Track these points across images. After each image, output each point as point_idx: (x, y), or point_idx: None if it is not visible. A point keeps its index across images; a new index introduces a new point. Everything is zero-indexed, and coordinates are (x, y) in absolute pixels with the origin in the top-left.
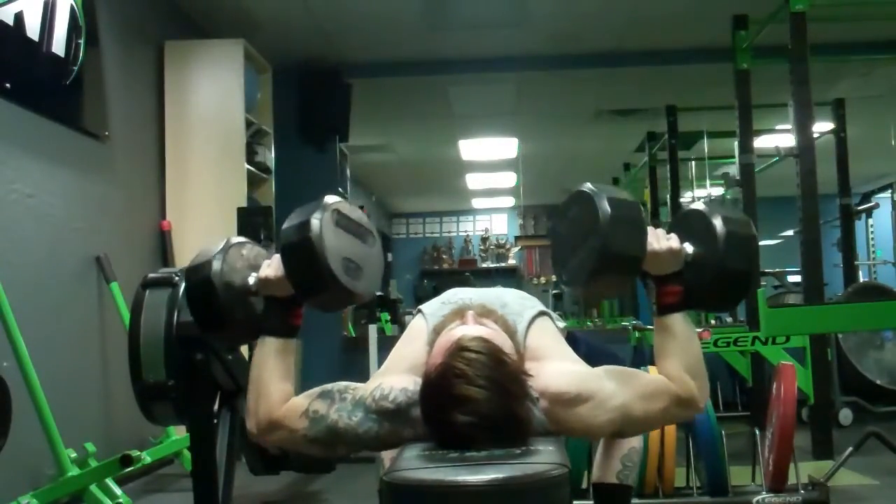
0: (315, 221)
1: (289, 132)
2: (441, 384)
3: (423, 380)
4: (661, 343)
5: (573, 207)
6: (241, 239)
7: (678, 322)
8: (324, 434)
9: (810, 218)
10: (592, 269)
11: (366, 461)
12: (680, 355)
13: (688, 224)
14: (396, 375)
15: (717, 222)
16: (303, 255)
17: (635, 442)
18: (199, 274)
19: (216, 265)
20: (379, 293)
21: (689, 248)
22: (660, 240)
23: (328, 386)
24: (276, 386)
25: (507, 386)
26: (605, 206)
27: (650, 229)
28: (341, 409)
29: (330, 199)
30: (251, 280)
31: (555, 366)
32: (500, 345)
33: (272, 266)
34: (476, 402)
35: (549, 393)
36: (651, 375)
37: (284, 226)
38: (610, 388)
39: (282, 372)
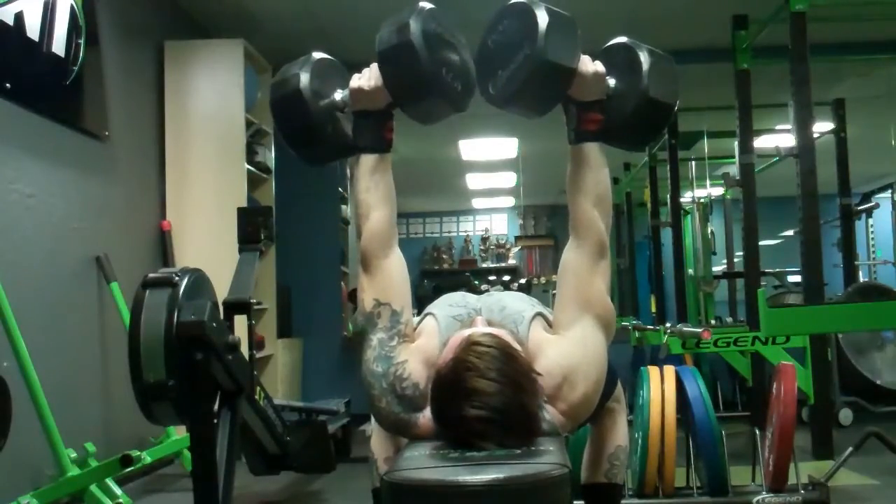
0: (414, 24)
1: None
2: (453, 378)
3: (435, 375)
4: (575, 173)
5: (505, 20)
6: (325, 55)
7: (594, 151)
8: (361, 333)
9: (810, 218)
10: (524, 79)
11: (366, 461)
12: (592, 186)
13: (612, 57)
14: (418, 364)
15: (643, 54)
16: (404, 58)
17: (621, 440)
18: (286, 87)
19: (304, 77)
20: None
21: (611, 80)
22: (586, 63)
23: (407, 311)
24: (376, 212)
25: (518, 380)
26: (543, 14)
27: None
28: (382, 343)
29: (423, 4)
30: (338, 96)
31: (546, 363)
32: (509, 342)
33: (364, 77)
34: (488, 395)
35: (558, 391)
36: (571, 269)
37: (381, 33)
38: (577, 337)
39: (382, 190)
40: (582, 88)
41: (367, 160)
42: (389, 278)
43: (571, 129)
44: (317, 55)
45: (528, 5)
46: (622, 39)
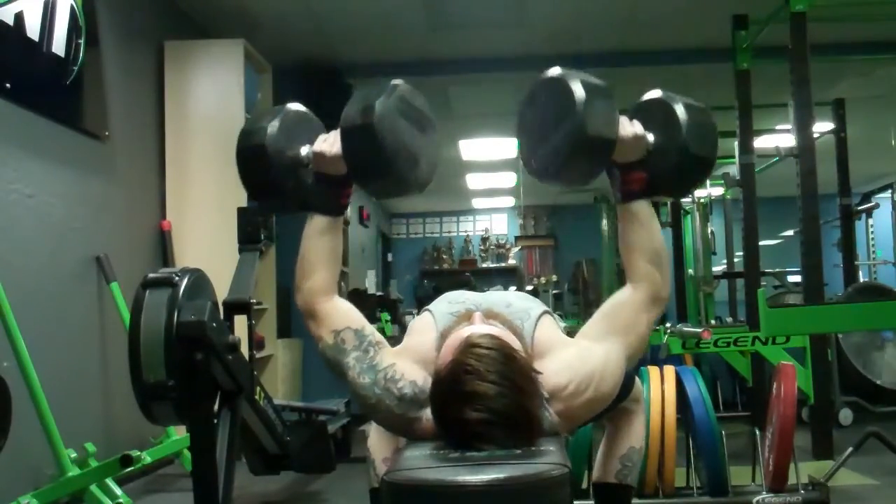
0: (379, 108)
1: None
2: (452, 381)
3: (434, 378)
4: (627, 231)
5: (542, 94)
6: (299, 106)
7: (643, 207)
8: (334, 364)
9: (810, 218)
10: (567, 154)
11: (366, 461)
12: (646, 245)
13: (649, 112)
14: (410, 364)
15: (679, 109)
16: (364, 139)
17: (635, 442)
18: (252, 138)
19: (271, 130)
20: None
21: (651, 137)
22: (625, 126)
23: (368, 327)
24: (321, 270)
25: (517, 382)
26: (580, 89)
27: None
28: (360, 360)
29: (396, 82)
30: (304, 151)
31: (554, 363)
32: (509, 342)
33: (328, 142)
34: (488, 398)
35: (560, 393)
36: (620, 302)
37: (348, 107)
38: (601, 353)
39: (328, 252)
40: (623, 151)
41: (319, 221)
42: (338, 311)
43: (617, 190)
44: (291, 107)
45: (564, 80)
46: (657, 94)
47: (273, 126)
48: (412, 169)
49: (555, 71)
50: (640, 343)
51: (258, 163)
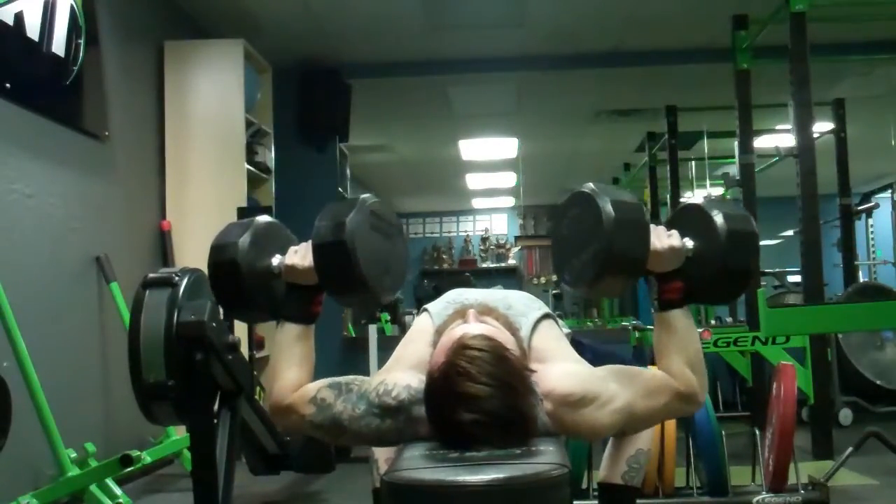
0: (351, 225)
1: (289, 132)
2: (444, 383)
3: (427, 379)
4: (662, 339)
5: (574, 208)
6: (268, 218)
7: (679, 318)
8: (328, 422)
9: (810, 218)
10: (596, 272)
11: (366, 461)
12: (681, 351)
13: (687, 219)
14: (401, 372)
15: (718, 219)
16: (337, 257)
17: (643, 444)
18: (224, 254)
19: (242, 246)
20: None
21: (689, 243)
22: (661, 238)
23: (338, 378)
24: (291, 373)
25: (510, 382)
26: (609, 209)
27: (651, 227)
28: (347, 399)
29: (366, 198)
30: (275, 262)
31: (559, 367)
32: (502, 342)
33: (299, 255)
34: (480, 400)
35: (555, 395)
36: (652, 372)
37: (319, 222)
38: (613, 388)
39: (298, 358)
40: (659, 262)
41: (291, 329)
42: (307, 387)
43: (654, 299)
44: (260, 219)
45: (593, 197)
46: (697, 201)
47: (244, 241)
48: (382, 280)
49: (587, 187)
50: (649, 414)
51: (231, 278)
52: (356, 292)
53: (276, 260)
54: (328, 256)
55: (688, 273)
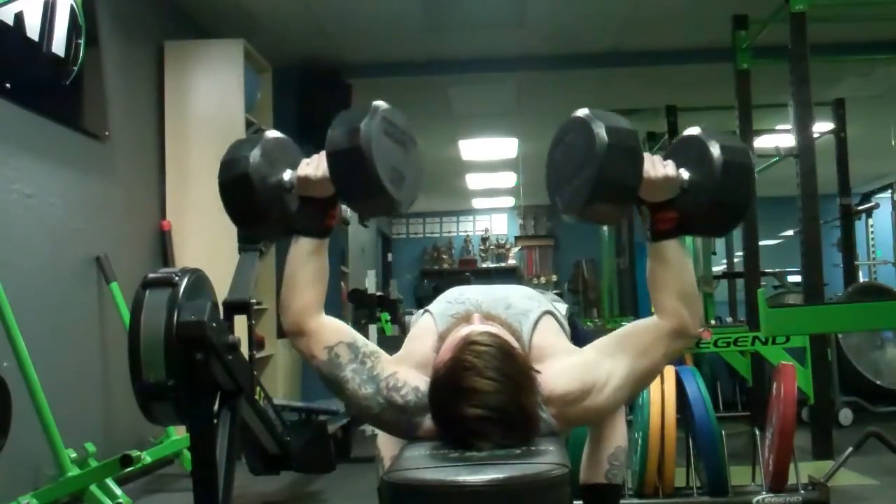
0: (365, 129)
1: (289, 132)
2: (450, 377)
3: (433, 375)
4: (655, 271)
5: (569, 134)
6: (277, 133)
7: (672, 248)
8: (332, 380)
9: (810, 218)
10: (587, 198)
11: (366, 461)
12: (673, 284)
13: (684, 150)
14: (411, 371)
15: (715, 150)
16: (352, 162)
17: (620, 441)
18: (235, 168)
19: (253, 159)
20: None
21: (684, 174)
22: (656, 167)
23: (360, 339)
24: (308, 290)
25: (515, 378)
26: (603, 135)
27: (646, 156)
28: (358, 371)
29: (378, 104)
30: (286, 177)
31: (556, 366)
32: (508, 340)
33: (312, 165)
34: (486, 394)
35: (555, 397)
36: (642, 325)
37: (332, 130)
38: (608, 368)
39: (314, 273)
40: (652, 191)
41: (306, 243)
42: (327, 327)
43: (647, 229)
44: (269, 134)
45: (588, 122)
46: (695, 131)
47: (255, 154)
48: (398, 187)
49: (582, 112)
50: (652, 369)
51: (243, 192)
52: (373, 197)
53: (287, 175)
54: (343, 163)
55: (682, 204)
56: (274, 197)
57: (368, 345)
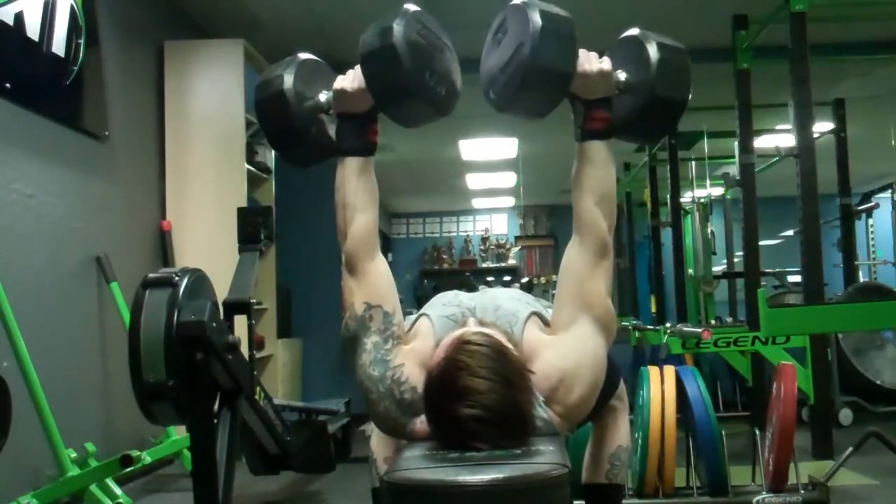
0: (398, 27)
1: None
2: (444, 377)
3: (427, 376)
4: (580, 172)
5: (506, 21)
6: (311, 56)
7: (600, 149)
8: (352, 337)
9: (810, 218)
10: (519, 83)
11: (366, 461)
12: (596, 186)
13: (622, 50)
14: (415, 367)
15: (652, 49)
16: (386, 60)
17: (622, 440)
18: (270, 88)
19: (288, 79)
20: None
21: (621, 75)
22: (591, 61)
23: (398, 313)
24: (362, 214)
25: (509, 377)
26: (536, 18)
27: (582, 51)
28: (377, 346)
29: (410, 6)
30: (323, 97)
31: (541, 365)
32: (501, 339)
33: (348, 79)
34: (480, 394)
35: (553, 394)
36: (573, 266)
37: (365, 35)
38: (576, 343)
39: (366, 194)
40: (587, 87)
41: (351, 163)
42: (378, 281)
43: (578, 127)
44: (302, 56)
45: (524, 7)
46: (633, 32)
47: (290, 73)
48: (437, 88)
49: None
50: (607, 312)
51: (280, 111)
52: (411, 98)
53: (323, 95)
54: (377, 63)
55: (617, 106)
56: (311, 117)
57: (401, 325)
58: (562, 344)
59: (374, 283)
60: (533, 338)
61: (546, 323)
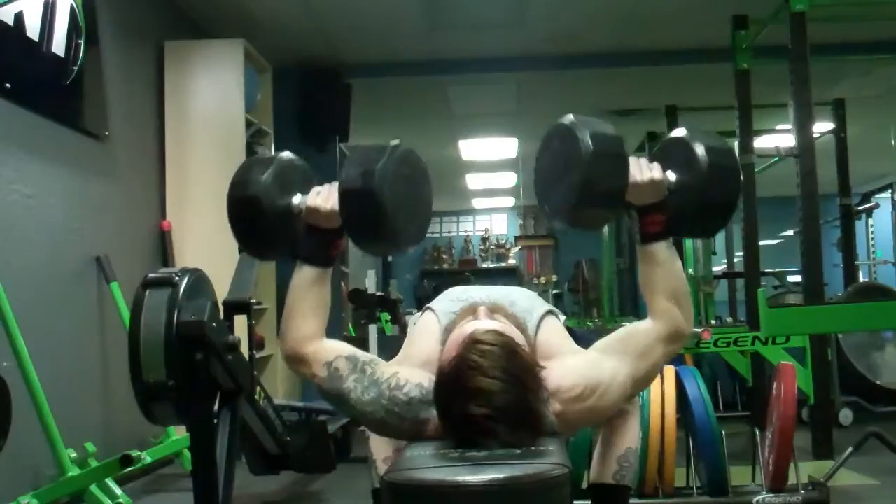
0: (381, 172)
1: (289, 132)
2: (456, 377)
3: (438, 374)
4: (646, 273)
5: (555, 140)
6: (291, 155)
7: (662, 250)
8: (335, 394)
9: (810, 218)
10: (574, 204)
11: (366, 461)
12: (665, 284)
13: (670, 151)
14: (413, 369)
15: (700, 151)
16: (364, 203)
17: (631, 442)
18: (246, 190)
19: (265, 182)
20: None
21: (671, 176)
22: (642, 170)
23: (356, 351)
24: (308, 319)
25: (521, 377)
26: (588, 141)
27: (632, 159)
28: (359, 380)
29: (395, 145)
30: (296, 201)
31: (562, 364)
32: (513, 338)
33: (322, 196)
34: (491, 394)
35: (561, 393)
36: (640, 328)
37: (348, 168)
38: (610, 367)
39: (316, 302)
40: (639, 195)
41: (308, 272)
42: (325, 347)
43: (636, 232)
44: (283, 155)
45: (573, 130)
46: (680, 133)
47: (267, 177)
48: (408, 227)
49: (567, 118)
50: (652, 370)
51: (251, 215)
52: (382, 240)
53: (297, 199)
54: (355, 204)
55: (669, 206)
56: (282, 221)
57: (367, 355)
58: (594, 359)
59: (322, 350)
60: (553, 338)
61: (563, 326)
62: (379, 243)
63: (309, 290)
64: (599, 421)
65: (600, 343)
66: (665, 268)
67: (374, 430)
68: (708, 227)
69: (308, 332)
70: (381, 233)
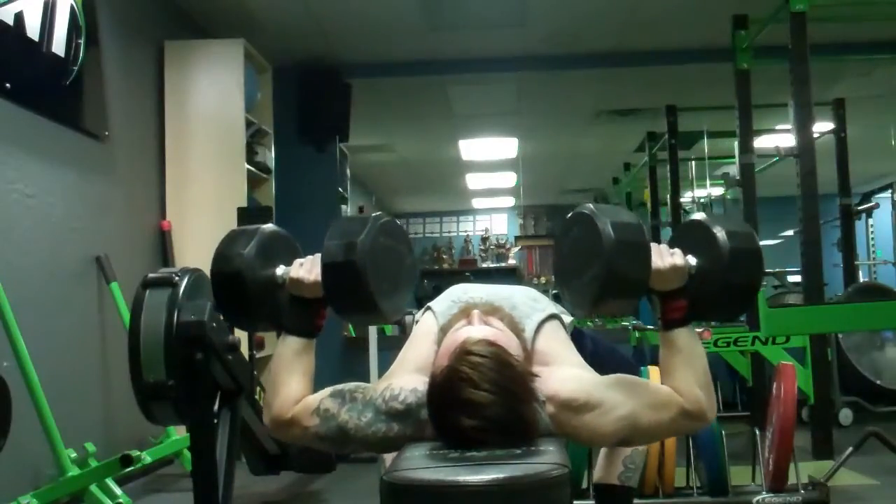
0: (362, 245)
1: (289, 132)
2: (447, 389)
3: (430, 383)
4: (668, 358)
5: (574, 229)
6: (273, 227)
7: (684, 336)
8: (334, 432)
9: (810, 218)
10: (597, 295)
11: (366, 461)
12: (688, 370)
13: (690, 236)
14: (406, 375)
15: (721, 235)
16: (346, 276)
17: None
18: (229, 264)
19: (248, 256)
20: None
21: (692, 260)
22: (663, 257)
23: (339, 386)
24: (291, 387)
25: (512, 389)
26: (609, 231)
27: (653, 246)
28: (352, 409)
29: (378, 216)
30: (279, 272)
31: (564, 371)
32: (505, 345)
33: (305, 268)
34: (482, 407)
35: (558, 399)
36: (660, 385)
37: (329, 240)
38: (618, 397)
39: (300, 371)
40: (661, 281)
41: (292, 342)
42: (309, 399)
43: (658, 318)
44: (266, 229)
45: (593, 219)
46: (699, 217)
47: (249, 251)
48: (390, 299)
49: (587, 208)
50: (654, 428)
51: (235, 288)
52: (364, 312)
53: (280, 270)
54: (338, 276)
55: (691, 291)
56: (265, 293)
57: (350, 384)
58: (605, 383)
59: (306, 404)
60: (555, 345)
61: (565, 329)
62: (361, 315)
63: (294, 359)
64: (586, 441)
65: (617, 375)
66: (687, 354)
67: (383, 449)
68: (730, 310)
69: (294, 396)
70: (364, 305)
